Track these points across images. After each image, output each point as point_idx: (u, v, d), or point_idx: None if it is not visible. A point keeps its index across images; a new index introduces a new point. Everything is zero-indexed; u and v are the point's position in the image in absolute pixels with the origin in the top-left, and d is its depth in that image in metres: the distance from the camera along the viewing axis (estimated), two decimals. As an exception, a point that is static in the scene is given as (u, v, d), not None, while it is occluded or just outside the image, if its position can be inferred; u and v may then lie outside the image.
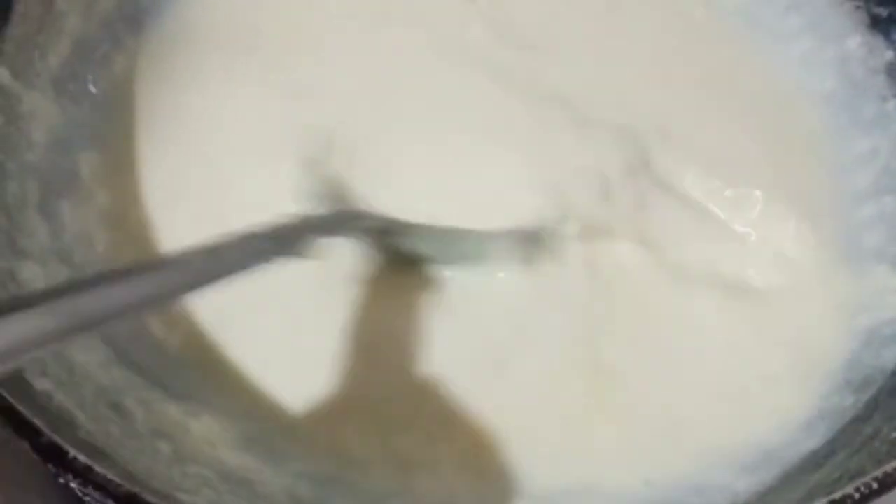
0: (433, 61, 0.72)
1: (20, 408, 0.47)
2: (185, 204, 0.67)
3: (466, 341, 0.63)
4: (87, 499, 0.46)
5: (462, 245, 0.64)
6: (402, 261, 0.65)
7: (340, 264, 0.64)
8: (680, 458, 0.60)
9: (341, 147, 0.68)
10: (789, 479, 0.56)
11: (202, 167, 0.68)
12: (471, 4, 0.74)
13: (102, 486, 0.45)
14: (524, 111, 0.69)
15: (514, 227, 0.65)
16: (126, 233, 0.65)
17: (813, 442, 0.57)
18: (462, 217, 0.65)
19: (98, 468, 0.46)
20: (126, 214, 0.66)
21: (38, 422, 0.46)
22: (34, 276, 0.59)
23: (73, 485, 0.46)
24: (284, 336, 0.63)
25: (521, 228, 0.65)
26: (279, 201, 0.64)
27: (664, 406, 0.62)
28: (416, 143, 0.68)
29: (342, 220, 0.63)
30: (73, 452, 0.46)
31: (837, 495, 0.48)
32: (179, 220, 0.66)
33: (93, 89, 0.69)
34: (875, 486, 0.47)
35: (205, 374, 0.62)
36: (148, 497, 0.46)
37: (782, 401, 0.62)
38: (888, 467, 0.48)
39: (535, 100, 0.70)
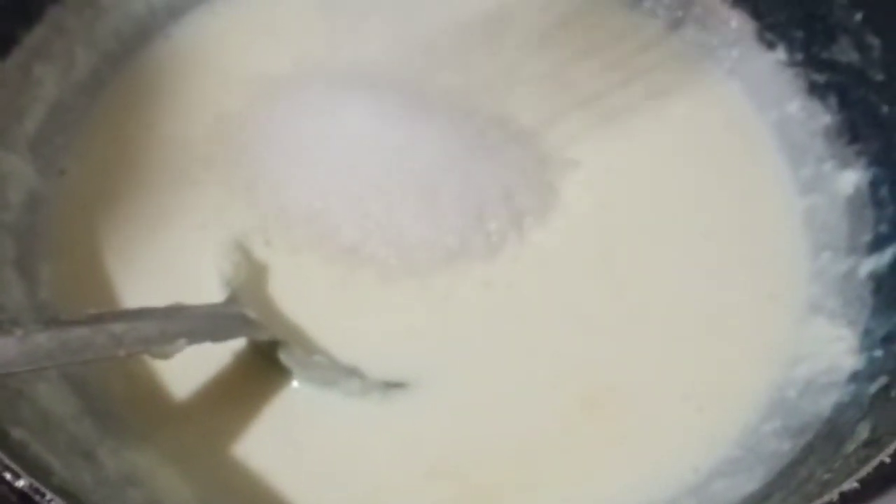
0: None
1: (-2, 454, 0.49)
2: (145, 266, 0.68)
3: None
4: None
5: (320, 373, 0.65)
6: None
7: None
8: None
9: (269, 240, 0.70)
10: (729, 520, 0.58)
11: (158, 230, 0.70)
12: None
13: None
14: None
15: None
16: (99, 291, 0.67)
17: (752, 485, 0.59)
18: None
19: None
20: (98, 274, 0.67)
21: (15, 466, 0.48)
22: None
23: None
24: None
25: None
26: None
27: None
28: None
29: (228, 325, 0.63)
30: (50, 495, 0.47)
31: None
32: (141, 282, 0.68)
33: (66, 153, 0.72)
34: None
35: (166, 428, 0.63)
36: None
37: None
38: (815, 504, 0.51)
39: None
